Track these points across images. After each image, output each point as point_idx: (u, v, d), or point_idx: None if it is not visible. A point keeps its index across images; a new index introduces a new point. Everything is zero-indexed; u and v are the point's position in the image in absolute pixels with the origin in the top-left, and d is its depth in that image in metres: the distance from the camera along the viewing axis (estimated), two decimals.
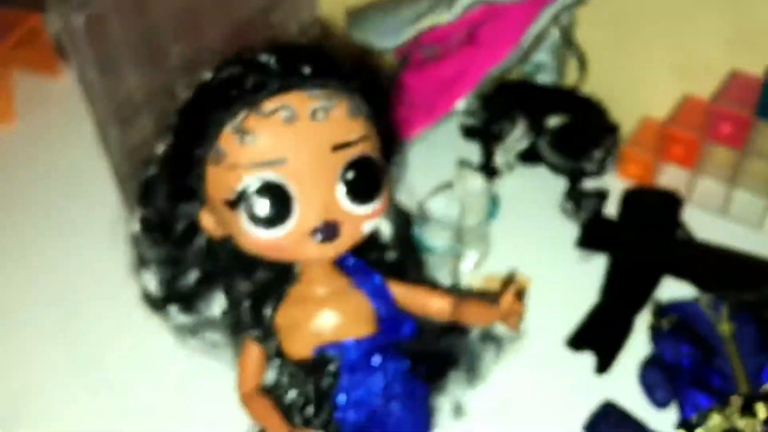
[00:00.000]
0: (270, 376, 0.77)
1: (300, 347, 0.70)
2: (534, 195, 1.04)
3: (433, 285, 0.79)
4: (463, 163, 1.00)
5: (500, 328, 0.82)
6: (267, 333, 0.71)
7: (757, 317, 0.80)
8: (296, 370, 0.70)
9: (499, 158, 1.07)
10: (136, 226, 0.75)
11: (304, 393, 0.71)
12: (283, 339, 0.71)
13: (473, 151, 1.09)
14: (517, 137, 1.03)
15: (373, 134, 0.68)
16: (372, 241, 0.79)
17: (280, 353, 0.71)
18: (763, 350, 0.78)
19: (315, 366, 0.69)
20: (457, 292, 0.75)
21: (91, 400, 0.86)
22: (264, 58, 0.64)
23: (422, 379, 0.75)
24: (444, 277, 0.90)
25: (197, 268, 0.77)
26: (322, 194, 0.64)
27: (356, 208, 0.66)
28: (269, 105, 0.62)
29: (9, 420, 0.85)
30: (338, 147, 0.64)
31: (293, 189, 0.63)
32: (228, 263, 0.76)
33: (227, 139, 0.63)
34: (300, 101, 0.63)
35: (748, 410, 0.72)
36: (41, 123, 1.24)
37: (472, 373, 0.80)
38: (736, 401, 0.72)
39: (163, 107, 0.83)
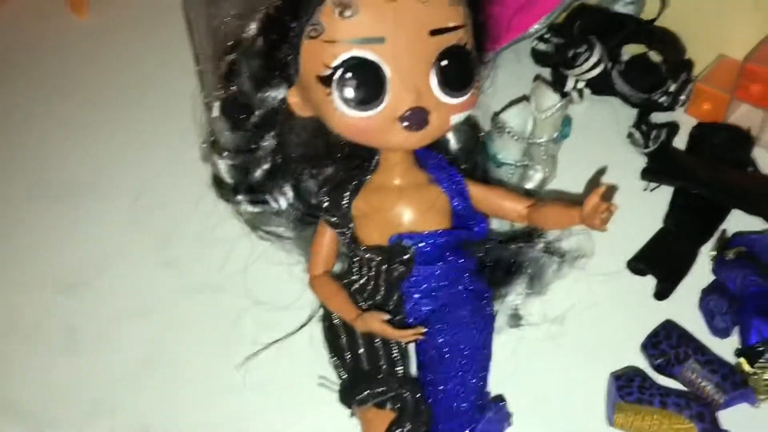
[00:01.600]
0: (340, 265, 0.79)
1: (376, 235, 0.71)
2: (603, 123, 1.03)
3: (508, 189, 0.79)
4: (541, 79, 0.99)
5: (566, 243, 0.83)
6: (344, 217, 0.72)
7: None
8: (370, 256, 0.71)
9: (570, 85, 1.06)
10: (216, 109, 0.76)
11: (375, 279, 0.72)
12: (359, 226, 0.72)
13: (547, 76, 1.08)
14: (591, 64, 1.02)
15: (469, 26, 0.68)
16: (441, 149, 0.80)
17: (353, 240, 0.73)
18: None
19: (391, 253, 0.70)
20: (533, 195, 0.75)
21: (160, 275, 0.88)
22: None
23: (486, 282, 0.76)
24: (517, 185, 0.90)
25: (270, 158, 0.78)
26: (415, 79, 0.64)
27: (447, 97, 0.66)
28: None
29: (82, 287, 0.88)
30: (436, 32, 0.64)
31: (388, 70, 0.63)
32: (301, 155, 0.77)
33: (327, 13, 0.63)
34: None
35: None
36: (114, 16, 1.24)
37: (534, 283, 0.80)
38: None
39: None
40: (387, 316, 0.68)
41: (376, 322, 0.68)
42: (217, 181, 0.82)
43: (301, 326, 0.80)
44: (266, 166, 0.79)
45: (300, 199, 0.81)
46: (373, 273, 0.72)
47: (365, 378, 0.71)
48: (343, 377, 0.73)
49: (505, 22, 1.02)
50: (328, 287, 0.74)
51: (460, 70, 0.67)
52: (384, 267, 0.71)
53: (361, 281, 0.73)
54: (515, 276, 0.80)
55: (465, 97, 0.68)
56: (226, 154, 0.78)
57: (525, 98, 0.92)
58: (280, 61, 0.67)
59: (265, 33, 0.69)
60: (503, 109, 0.92)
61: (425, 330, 0.68)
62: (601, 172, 0.95)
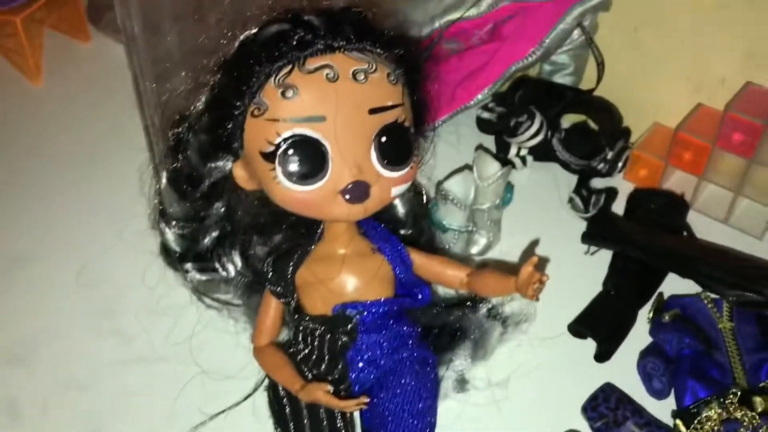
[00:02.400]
0: (285, 333, 0.80)
1: (320, 304, 0.72)
2: (544, 189, 1.07)
3: (450, 256, 0.82)
4: (482, 148, 1.02)
5: (509, 308, 0.85)
6: (288, 287, 0.73)
7: (759, 316, 0.83)
8: (314, 326, 0.72)
9: (513, 152, 1.10)
10: (164, 180, 0.78)
11: (319, 348, 0.73)
12: (303, 295, 0.73)
13: (489, 145, 1.12)
14: (532, 133, 1.06)
15: (408, 104, 0.71)
16: (388, 215, 0.82)
17: (297, 310, 0.74)
18: (763, 348, 0.80)
19: (334, 323, 0.71)
20: (473, 263, 0.77)
21: (103, 346, 0.87)
22: (311, 18, 0.67)
23: (431, 348, 0.77)
24: (460, 252, 0.92)
25: (218, 227, 0.79)
26: (356, 154, 0.67)
27: (387, 171, 0.69)
28: (313, 63, 0.65)
29: (26, 359, 0.87)
30: (375, 110, 0.67)
31: (328, 147, 0.66)
32: (248, 224, 0.79)
33: (270, 93, 0.65)
34: (343, 62, 0.66)
35: (746, 403, 0.74)
36: (68, 83, 1.27)
37: (478, 348, 0.82)
38: (734, 393, 0.75)
39: (199, 65, 0.86)
40: (330, 387, 0.68)
41: (320, 393, 0.68)
42: (166, 250, 0.84)
43: (247, 396, 0.80)
44: (214, 234, 0.80)
45: (248, 267, 0.82)
46: (317, 343, 0.73)
47: None
48: None
49: (447, 95, 1.06)
50: (273, 357, 0.74)
51: (398, 146, 0.69)
52: (328, 337, 0.72)
53: (306, 351, 0.73)
54: (460, 341, 0.81)
55: (404, 171, 0.70)
56: (174, 223, 0.79)
57: (468, 167, 0.95)
58: (224, 137, 0.69)
59: (211, 109, 0.71)
60: (447, 178, 0.95)
61: (368, 399, 0.69)
62: (535, 243, 0.97)
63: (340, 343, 0.72)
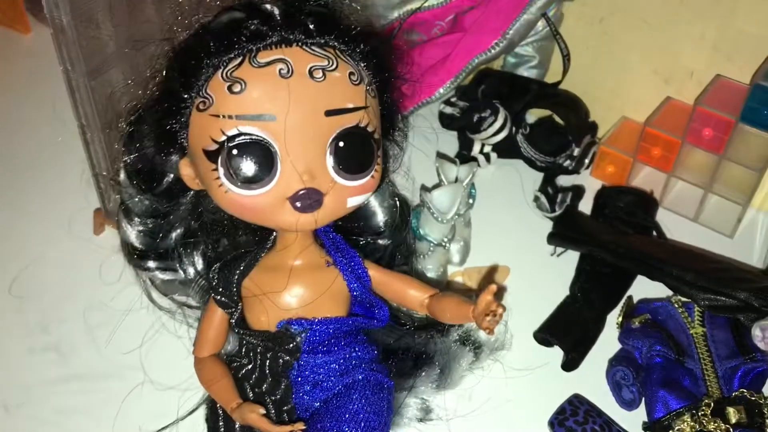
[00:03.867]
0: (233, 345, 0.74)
1: (263, 318, 0.66)
2: (509, 188, 1.03)
3: (413, 275, 0.75)
4: (441, 155, 0.97)
5: (482, 335, 0.79)
6: (232, 298, 0.67)
7: (732, 321, 0.79)
8: (256, 341, 0.67)
9: (477, 149, 1.05)
10: (122, 174, 0.71)
11: (261, 367, 0.67)
12: (247, 307, 0.67)
13: (450, 141, 1.07)
14: (496, 129, 1.02)
15: (374, 107, 0.64)
16: (367, 224, 0.76)
17: (241, 322, 0.68)
18: (737, 355, 0.77)
19: (276, 340, 0.65)
20: (437, 286, 0.71)
21: (36, 363, 0.81)
22: (270, 7, 0.61)
23: (391, 373, 0.71)
24: (433, 267, 0.87)
25: (182, 224, 0.73)
26: (308, 159, 0.61)
27: (343, 180, 0.62)
28: (266, 56, 0.59)
29: None
30: (333, 112, 0.61)
31: (277, 149, 0.60)
32: (212, 223, 0.72)
33: (216, 86, 0.59)
34: (299, 57, 0.60)
35: (719, 414, 0.70)
36: (5, 75, 1.19)
37: (445, 376, 0.75)
38: (707, 405, 0.71)
39: (134, 60, 0.80)
40: (263, 411, 0.62)
41: (253, 416, 0.62)
42: (127, 248, 0.76)
43: (191, 412, 0.74)
44: (179, 232, 0.74)
45: (208, 269, 0.76)
46: (259, 360, 0.67)
47: None
48: None
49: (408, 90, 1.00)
50: (211, 371, 0.68)
51: (357, 152, 0.63)
52: (269, 354, 0.66)
53: (249, 367, 0.68)
54: (424, 367, 0.75)
55: (363, 180, 0.64)
56: (136, 219, 0.73)
57: (453, 179, 0.89)
58: (170, 131, 0.63)
59: (158, 100, 0.65)
60: (434, 186, 0.89)
61: (304, 427, 0.63)
62: (494, 269, 0.92)
63: (281, 362, 0.65)
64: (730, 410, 0.71)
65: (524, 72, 1.09)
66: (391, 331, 0.77)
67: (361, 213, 0.76)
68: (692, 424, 0.70)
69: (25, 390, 0.78)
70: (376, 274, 0.70)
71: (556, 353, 0.82)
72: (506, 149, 1.04)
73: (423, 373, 0.74)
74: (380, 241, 0.78)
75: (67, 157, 0.99)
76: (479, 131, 1.02)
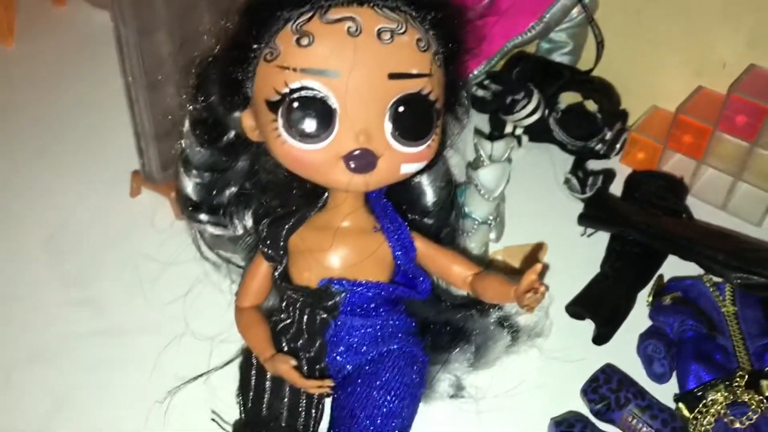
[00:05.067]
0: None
1: (306, 275, 0.67)
2: (540, 170, 1.04)
3: (460, 252, 0.76)
4: (478, 131, 0.98)
5: (521, 319, 0.79)
6: (278, 252, 0.68)
7: (763, 300, 0.80)
8: (296, 295, 0.67)
9: (508, 131, 1.06)
10: (186, 124, 0.72)
11: (298, 322, 0.68)
12: (293, 263, 0.68)
13: (482, 122, 1.09)
14: (529, 111, 1.03)
15: (438, 76, 0.64)
16: (416, 203, 0.77)
17: (286, 276, 0.69)
18: (767, 333, 0.77)
19: (316, 296, 0.66)
20: (482, 264, 0.72)
21: (73, 316, 0.82)
22: None
23: (426, 346, 0.72)
24: (476, 246, 0.88)
25: (238, 182, 0.74)
26: (366, 120, 0.61)
27: (399, 145, 0.63)
28: (336, 13, 0.60)
29: None
30: (396, 76, 0.61)
31: (337, 106, 0.60)
32: (267, 183, 0.73)
33: (285, 38, 0.60)
34: (369, 17, 0.60)
35: (753, 386, 0.71)
36: (41, 46, 1.21)
37: (480, 355, 0.75)
38: (741, 377, 0.72)
39: (183, 23, 0.82)
40: (294, 362, 0.63)
41: (284, 366, 0.63)
42: (182, 198, 0.77)
43: (228, 362, 0.75)
44: (233, 189, 0.74)
45: (258, 226, 0.76)
46: (298, 315, 0.67)
47: (257, 424, 0.66)
48: (241, 417, 0.68)
49: None
50: (250, 320, 0.69)
51: (416, 119, 0.63)
52: (308, 310, 0.66)
53: (287, 321, 0.68)
54: (461, 344, 0.75)
55: (419, 148, 0.64)
56: (195, 171, 0.73)
57: (499, 158, 0.90)
58: (236, 80, 0.64)
59: (228, 50, 0.65)
60: (474, 163, 0.89)
61: (334, 385, 0.64)
62: (535, 246, 0.92)
63: (319, 319, 0.66)
64: (764, 383, 0.71)
65: (557, 58, 1.10)
66: (430, 305, 0.77)
67: (412, 190, 0.77)
68: (726, 394, 0.71)
69: (62, 342, 0.79)
70: (422, 246, 0.70)
71: (588, 326, 0.83)
72: (538, 132, 1.05)
73: (458, 350, 0.74)
74: (426, 221, 0.78)
75: (107, 120, 1.00)
76: (512, 113, 1.03)
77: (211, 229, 0.75)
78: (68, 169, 0.99)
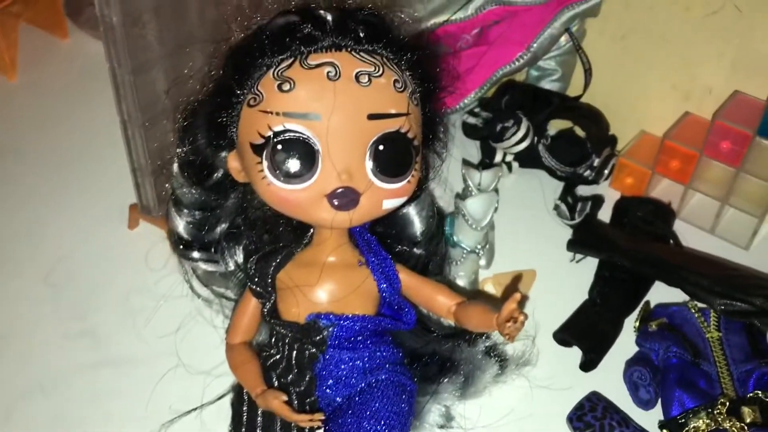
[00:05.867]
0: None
1: (295, 310, 0.69)
2: (530, 196, 1.05)
3: (443, 282, 0.77)
4: (466, 162, 1.00)
5: (510, 347, 0.81)
6: (267, 289, 0.70)
7: (747, 326, 0.81)
8: (285, 331, 0.69)
9: (499, 158, 1.08)
10: (175, 166, 0.74)
11: (288, 357, 0.69)
12: (281, 298, 0.70)
13: (473, 149, 1.10)
14: (518, 138, 1.05)
15: (416, 114, 0.67)
16: (404, 233, 0.79)
17: (274, 312, 0.71)
18: (752, 358, 0.79)
19: (304, 331, 0.68)
20: (470, 294, 0.74)
21: (72, 349, 0.84)
22: (324, 13, 0.64)
23: (415, 376, 0.73)
24: (465, 274, 0.89)
25: (228, 218, 0.76)
26: (348, 159, 0.64)
27: (381, 182, 0.65)
28: (316, 59, 0.62)
29: None
30: (375, 116, 0.64)
31: (319, 147, 0.63)
32: (256, 219, 0.75)
33: (267, 84, 0.63)
34: (347, 61, 0.63)
35: (734, 413, 0.72)
36: (44, 80, 1.23)
37: (468, 385, 0.77)
38: (723, 404, 0.73)
39: (177, 62, 0.84)
40: (285, 398, 0.65)
41: (276, 402, 0.65)
42: (174, 237, 0.79)
43: (221, 396, 0.77)
44: (224, 226, 0.77)
45: (248, 260, 0.78)
46: (287, 350, 0.69)
47: None
48: None
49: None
50: (240, 357, 0.71)
51: (396, 157, 0.65)
52: (296, 345, 0.68)
53: (277, 356, 0.70)
54: (449, 374, 0.76)
55: (400, 184, 0.66)
56: (186, 210, 0.76)
57: (487, 186, 0.92)
58: (221, 125, 0.66)
59: (213, 96, 0.68)
60: (463, 193, 0.92)
61: (323, 418, 0.65)
62: (522, 273, 0.93)
63: (308, 353, 0.68)
64: (745, 410, 0.72)
65: (546, 85, 1.12)
66: (418, 336, 0.78)
67: (399, 221, 0.79)
68: (708, 421, 0.72)
69: (61, 375, 0.81)
70: (406, 278, 0.72)
71: (575, 353, 0.84)
72: (527, 159, 1.07)
73: (447, 380, 0.76)
74: (415, 250, 0.80)
75: (104, 154, 1.03)
76: (502, 140, 1.05)
77: (203, 266, 0.78)
78: (69, 202, 1.01)
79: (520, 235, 0.99)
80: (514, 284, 0.92)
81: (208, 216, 0.75)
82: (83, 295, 0.89)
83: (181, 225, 0.76)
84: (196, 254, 0.77)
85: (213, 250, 0.77)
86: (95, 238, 0.95)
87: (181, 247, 0.77)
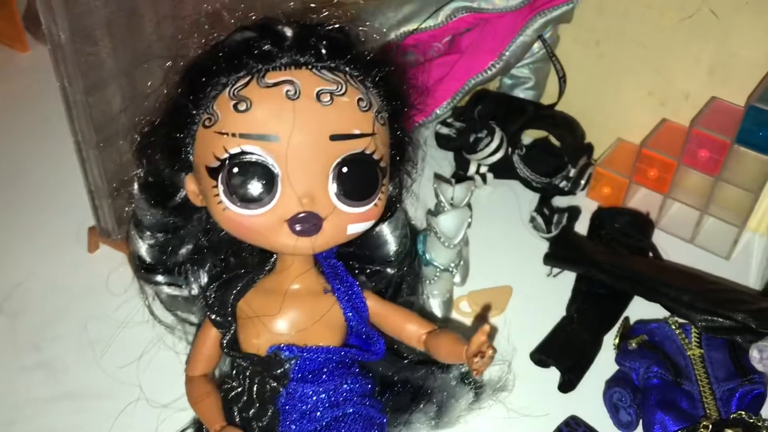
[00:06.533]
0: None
1: (256, 341, 0.65)
2: (505, 208, 1.02)
3: (420, 306, 0.75)
4: (438, 176, 0.97)
5: (486, 374, 0.76)
6: (227, 318, 0.66)
7: (729, 343, 0.79)
8: (245, 364, 0.65)
9: (473, 169, 1.05)
10: (135, 187, 0.70)
11: (248, 391, 0.65)
12: (242, 329, 0.66)
13: (446, 161, 1.08)
14: (492, 150, 1.02)
15: (382, 134, 0.63)
16: (378, 253, 0.75)
17: (235, 343, 0.67)
18: (735, 376, 0.76)
19: (265, 364, 0.64)
20: (435, 322, 0.70)
21: (28, 382, 0.80)
22: (283, 28, 0.61)
23: (387, 406, 0.70)
24: (439, 293, 0.87)
25: (191, 241, 0.72)
26: (310, 183, 0.60)
27: (345, 206, 0.61)
28: (274, 77, 0.59)
29: None
30: (338, 137, 0.60)
31: (278, 170, 0.59)
32: (220, 241, 0.71)
33: (223, 103, 0.59)
34: (308, 79, 0.59)
35: None
36: (2, 94, 1.19)
37: (442, 413, 0.73)
38: (705, 426, 0.70)
39: (133, 80, 0.81)
40: None
41: None
42: (136, 260, 0.74)
43: (182, 431, 0.73)
44: (189, 248, 0.72)
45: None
46: (248, 383, 0.65)
47: None
48: None
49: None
50: (199, 390, 0.67)
51: (361, 180, 0.62)
52: (257, 379, 0.65)
53: (238, 390, 0.66)
54: (422, 403, 0.73)
55: (366, 208, 0.63)
56: (147, 233, 0.72)
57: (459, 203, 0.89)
58: (177, 146, 0.63)
59: (167, 115, 0.64)
60: (435, 209, 0.88)
61: None
62: (498, 290, 0.91)
63: (269, 387, 0.64)
64: None
65: (520, 93, 1.09)
66: (390, 363, 0.75)
67: (373, 241, 0.75)
68: None
69: (17, 409, 0.77)
70: (374, 306, 0.68)
71: (553, 373, 0.82)
72: (502, 170, 1.05)
73: (419, 409, 0.72)
74: (389, 270, 0.76)
75: (63, 174, 0.99)
76: (476, 152, 1.02)
77: (167, 290, 0.74)
78: (26, 225, 0.97)
79: (495, 249, 0.96)
80: (490, 299, 0.89)
81: (170, 238, 0.71)
82: (40, 324, 0.85)
83: (143, 248, 0.72)
84: (159, 278, 0.73)
85: (176, 272, 0.73)
86: (53, 263, 0.92)
87: (143, 270, 0.73)
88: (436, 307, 0.87)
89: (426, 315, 0.75)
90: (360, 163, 0.61)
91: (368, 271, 0.75)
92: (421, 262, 0.87)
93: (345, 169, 0.61)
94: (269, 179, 0.59)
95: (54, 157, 1.04)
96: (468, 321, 0.88)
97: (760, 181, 0.90)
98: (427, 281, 0.87)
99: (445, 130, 1.07)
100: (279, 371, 0.64)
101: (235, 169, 0.59)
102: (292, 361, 0.64)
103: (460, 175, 1.04)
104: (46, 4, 0.70)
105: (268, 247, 0.65)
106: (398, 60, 0.70)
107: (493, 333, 0.84)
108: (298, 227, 0.60)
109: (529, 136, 1.06)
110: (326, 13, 0.66)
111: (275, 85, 0.59)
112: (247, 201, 0.60)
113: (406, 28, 1.05)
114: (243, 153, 0.59)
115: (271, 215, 0.60)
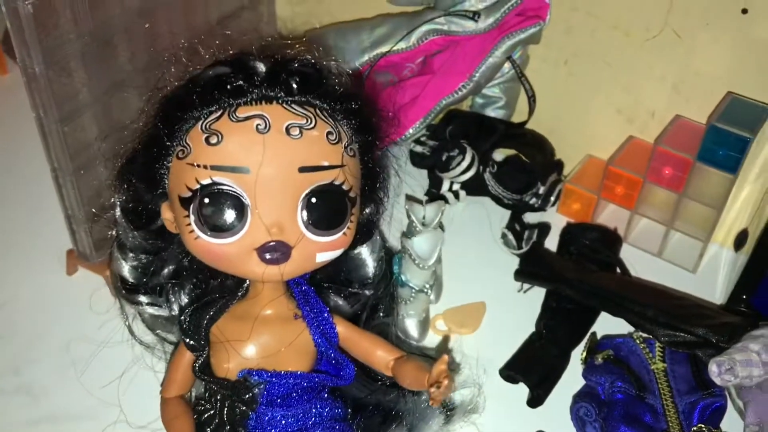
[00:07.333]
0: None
1: (226, 366, 0.67)
2: (477, 225, 1.05)
3: (395, 328, 0.76)
4: (410, 197, 0.98)
5: (457, 395, 0.79)
6: (200, 342, 0.68)
7: (692, 357, 0.81)
8: (217, 388, 0.67)
9: (446, 187, 1.07)
10: (117, 210, 0.72)
11: (219, 414, 0.67)
12: (214, 353, 0.68)
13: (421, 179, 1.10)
14: (463, 168, 1.04)
15: (352, 165, 0.66)
16: (355, 274, 0.77)
17: (207, 367, 0.69)
18: (696, 390, 0.78)
19: (234, 389, 0.66)
20: (410, 343, 0.72)
21: (6, 405, 0.81)
22: (256, 64, 0.63)
23: (358, 430, 0.72)
24: (415, 313, 0.88)
25: (173, 262, 0.74)
26: (279, 213, 0.62)
27: (313, 235, 0.64)
28: (245, 111, 0.61)
29: None
30: (307, 169, 0.62)
31: (248, 201, 0.62)
32: (200, 264, 0.71)
33: (195, 136, 0.62)
34: (278, 114, 0.62)
35: None
36: None
37: None
38: None
39: (108, 108, 0.82)
40: None
41: None
42: (118, 281, 0.76)
43: None
44: (171, 268, 0.74)
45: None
46: (219, 406, 0.67)
47: None
48: None
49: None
50: (174, 412, 0.69)
51: (330, 210, 0.64)
52: (227, 402, 0.66)
53: (211, 411, 0.68)
54: (392, 426, 0.74)
55: (334, 237, 0.65)
56: (130, 254, 0.74)
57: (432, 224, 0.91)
58: (153, 176, 0.65)
59: (143, 146, 0.66)
60: (408, 230, 0.91)
61: None
62: (471, 307, 0.93)
63: (238, 411, 0.66)
64: None
65: (491, 112, 1.11)
66: (363, 386, 0.76)
67: (352, 263, 0.77)
68: None
69: None
70: (344, 331, 0.70)
71: (523, 390, 0.84)
72: (475, 187, 1.07)
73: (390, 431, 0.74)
74: (367, 292, 0.78)
75: (43, 196, 0.99)
76: (448, 170, 1.04)
77: (150, 310, 0.76)
78: (3, 247, 0.98)
79: (468, 266, 0.99)
80: (465, 316, 0.92)
81: (153, 259, 0.73)
82: (19, 346, 0.87)
83: (125, 269, 0.74)
84: (142, 298, 0.75)
85: (159, 293, 0.75)
86: (31, 285, 0.93)
87: (126, 291, 0.75)
88: (412, 328, 0.89)
89: (403, 336, 0.76)
90: (329, 194, 0.64)
91: (345, 293, 0.77)
92: (397, 284, 0.89)
93: (314, 200, 0.63)
94: (239, 209, 0.62)
95: (35, 178, 1.05)
96: (444, 339, 0.90)
97: (723, 198, 0.93)
98: (403, 302, 0.89)
99: (419, 149, 1.09)
100: (247, 396, 0.65)
101: (206, 200, 0.62)
102: (261, 386, 0.66)
103: (433, 193, 1.06)
104: (20, 38, 0.72)
105: (238, 275, 0.67)
106: (369, 91, 0.72)
107: (453, 363, 0.85)
108: (267, 256, 0.63)
109: (500, 154, 1.08)
110: (299, 47, 0.69)
111: (246, 119, 0.61)
112: (217, 230, 0.62)
113: (380, 50, 1.08)
114: (214, 184, 0.61)
115: (241, 244, 0.62)
